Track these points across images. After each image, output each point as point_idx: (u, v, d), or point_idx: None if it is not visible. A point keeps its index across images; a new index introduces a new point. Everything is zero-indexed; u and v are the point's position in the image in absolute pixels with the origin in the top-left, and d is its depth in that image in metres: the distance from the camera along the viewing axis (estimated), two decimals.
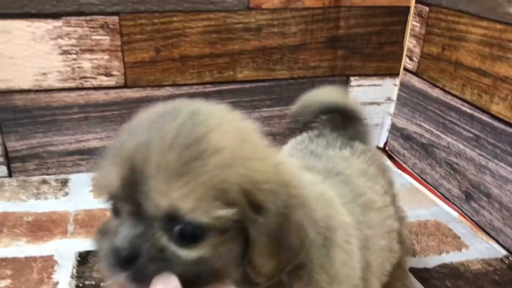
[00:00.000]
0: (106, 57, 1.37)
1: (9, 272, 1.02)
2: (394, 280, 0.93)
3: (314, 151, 0.81)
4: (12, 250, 1.10)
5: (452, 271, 1.09)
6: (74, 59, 1.35)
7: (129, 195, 0.44)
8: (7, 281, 1.00)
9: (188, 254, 0.44)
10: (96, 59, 1.37)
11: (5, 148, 1.40)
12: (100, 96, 1.41)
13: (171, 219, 0.43)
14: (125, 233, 0.44)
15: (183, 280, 0.43)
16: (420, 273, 1.07)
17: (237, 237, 0.46)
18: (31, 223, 1.21)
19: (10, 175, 1.44)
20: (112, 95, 1.41)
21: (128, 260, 0.43)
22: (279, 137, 1.60)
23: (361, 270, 0.64)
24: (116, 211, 0.48)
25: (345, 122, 0.88)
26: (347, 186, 0.71)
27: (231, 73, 1.48)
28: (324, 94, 0.91)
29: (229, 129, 0.48)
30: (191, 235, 0.44)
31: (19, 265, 1.05)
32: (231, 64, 1.47)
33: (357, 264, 0.63)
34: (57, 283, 1.00)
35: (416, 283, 1.04)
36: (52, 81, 1.37)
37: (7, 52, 1.31)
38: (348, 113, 0.88)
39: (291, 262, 0.49)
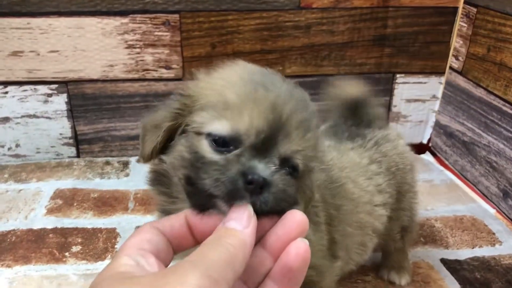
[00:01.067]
0: (166, 51, 1.49)
1: (79, 239, 1.17)
2: (390, 258, 1.07)
3: None
4: (81, 221, 1.25)
5: (482, 264, 1.14)
6: (138, 53, 1.49)
7: (264, 138, 0.51)
8: (78, 247, 1.15)
9: (293, 187, 0.53)
10: (158, 53, 1.49)
11: (75, 132, 1.57)
12: (160, 87, 1.54)
13: (287, 160, 0.53)
14: (261, 165, 0.50)
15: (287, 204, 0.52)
16: (451, 264, 1.13)
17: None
18: (97, 199, 1.35)
19: (78, 155, 1.60)
20: (171, 86, 1.54)
21: (263, 187, 0.48)
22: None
23: (328, 242, 0.75)
24: (223, 145, 0.52)
25: (358, 111, 0.99)
26: (323, 171, 0.80)
27: (280, 68, 1.56)
28: (346, 89, 1.01)
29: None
30: (293, 172, 0.54)
31: (87, 235, 1.20)
32: (280, 59, 1.56)
33: (324, 235, 0.75)
34: None
35: (446, 273, 1.10)
36: (118, 72, 1.51)
37: (80, 46, 1.46)
38: (364, 103, 0.99)
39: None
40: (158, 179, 0.61)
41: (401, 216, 0.98)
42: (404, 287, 1.06)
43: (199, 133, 0.54)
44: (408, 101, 1.70)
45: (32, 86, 1.50)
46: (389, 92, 1.67)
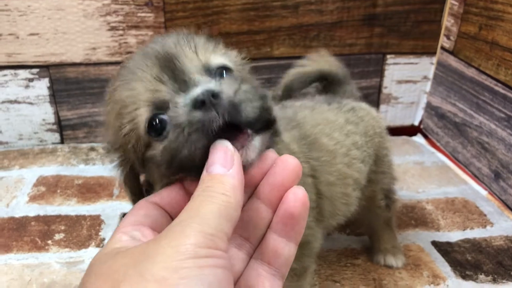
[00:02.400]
0: (150, 33, 1.45)
1: (62, 227, 1.14)
2: (382, 241, 1.05)
3: (286, 105, 0.92)
4: (65, 208, 1.22)
5: (473, 246, 1.12)
6: (121, 35, 1.44)
7: (171, 73, 0.50)
8: (61, 235, 1.12)
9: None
10: (141, 35, 1.45)
11: (58, 117, 1.53)
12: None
13: (210, 70, 0.52)
14: (201, 87, 0.47)
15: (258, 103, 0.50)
16: (442, 246, 1.11)
17: None
18: (81, 186, 1.32)
19: (62, 141, 1.56)
20: None
21: (214, 96, 0.45)
22: None
23: (314, 194, 0.76)
24: (159, 109, 0.50)
25: (334, 86, 1.02)
26: (295, 129, 0.82)
27: (268, 49, 1.53)
28: (313, 63, 1.03)
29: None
30: (226, 72, 0.54)
31: (71, 222, 1.16)
32: (268, 40, 1.52)
33: (311, 188, 0.75)
34: (103, 239, 1.11)
35: (437, 255, 1.08)
36: (101, 55, 1.47)
37: (60, 28, 1.41)
38: (336, 77, 1.02)
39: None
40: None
41: (382, 179, 0.99)
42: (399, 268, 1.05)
43: (145, 145, 0.52)
44: (399, 82, 1.67)
45: (12, 71, 1.45)
46: (380, 73, 1.64)
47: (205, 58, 0.52)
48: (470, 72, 1.42)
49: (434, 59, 1.63)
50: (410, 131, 1.73)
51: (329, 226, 0.88)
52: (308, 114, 0.89)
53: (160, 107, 0.49)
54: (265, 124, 0.49)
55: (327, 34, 1.54)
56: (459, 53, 1.49)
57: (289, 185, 0.45)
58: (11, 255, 1.05)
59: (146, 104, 0.50)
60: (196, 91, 0.46)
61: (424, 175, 1.45)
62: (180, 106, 0.47)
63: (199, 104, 0.45)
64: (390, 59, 1.62)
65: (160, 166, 0.50)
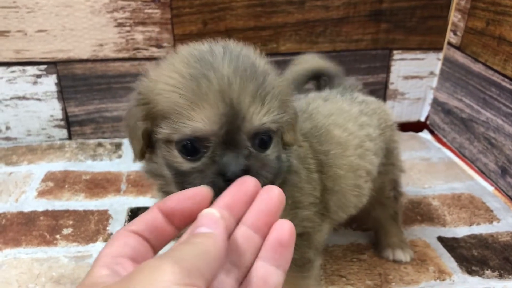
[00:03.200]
0: (157, 29, 1.46)
1: (70, 222, 1.15)
2: (389, 236, 1.06)
3: (299, 96, 0.94)
4: (73, 203, 1.23)
5: (480, 242, 1.12)
6: (128, 31, 1.45)
7: (228, 128, 0.54)
8: (70, 230, 1.13)
9: (268, 154, 0.59)
10: (148, 31, 1.46)
11: (65, 113, 1.54)
12: (151, 66, 1.50)
13: (257, 134, 0.56)
14: (234, 159, 0.54)
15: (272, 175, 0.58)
16: (448, 242, 1.11)
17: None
18: (89, 181, 1.33)
19: (70, 137, 1.58)
20: None
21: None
22: None
23: (319, 191, 0.77)
24: (192, 151, 0.56)
25: (330, 83, 1.03)
26: (307, 121, 0.84)
27: (274, 45, 1.53)
28: (308, 62, 1.04)
29: (255, 54, 0.62)
30: (265, 142, 0.58)
31: (79, 217, 1.18)
32: (274, 36, 1.52)
33: (317, 185, 0.77)
34: (111, 233, 1.12)
35: (443, 251, 1.08)
36: (108, 52, 1.47)
37: (68, 25, 1.42)
38: (329, 74, 1.03)
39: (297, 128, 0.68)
40: (152, 171, 0.65)
41: (391, 170, 1.01)
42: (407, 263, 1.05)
43: (168, 141, 0.58)
44: (406, 78, 1.66)
45: (21, 67, 1.47)
46: (386, 69, 1.64)
47: (259, 121, 0.56)
48: (477, 67, 1.41)
49: (441, 55, 1.62)
50: (416, 127, 1.73)
51: (339, 218, 0.88)
52: (321, 104, 0.89)
53: (203, 140, 0.55)
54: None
55: (333, 30, 1.54)
56: (466, 49, 1.48)
57: (275, 211, 0.47)
58: (20, 249, 1.06)
59: (201, 125, 0.54)
60: (232, 166, 0.53)
61: (430, 170, 1.45)
62: (215, 162, 0.54)
63: (227, 179, 0.52)
64: (396, 54, 1.62)
65: (170, 167, 0.59)
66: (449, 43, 1.57)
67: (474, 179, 1.41)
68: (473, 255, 1.08)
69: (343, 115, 0.88)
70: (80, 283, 0.40)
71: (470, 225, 1.19)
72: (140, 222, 0.45)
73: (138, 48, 1.48)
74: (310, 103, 0.89)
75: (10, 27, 1.40)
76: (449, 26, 1.57)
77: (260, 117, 0.55)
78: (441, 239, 1.12)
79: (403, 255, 1.05)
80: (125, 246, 0.43)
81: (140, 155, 0.64)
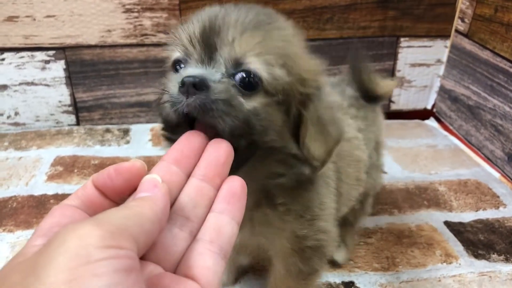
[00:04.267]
0: (165, 15, 1.46)
1: None
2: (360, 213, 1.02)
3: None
4: None
5: (486, 226, 1.13)
6: (136, 17, 1.45)
7: (203, 41, 0.53)
8: None
9: (244, 102, 0.52)
10: (156, 17, 1.46)
11: (74, 99, 1.55)
12: (159, 52, 1.51)
13: (237, 65, 0.52)
14: (198, 69, 0.52)
15: (238, 132, 0.51)
16: (454, 226, 1.12)
17: (281, 107, 0.56)
18: (97, 166, 1.34)
19: (78, 123, 1.59)
20: None
21: (198, 87, 0.49)
22: None
23: (335, 201, 0.75)
24: (182, 61, 0.56)
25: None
26: None
27: None
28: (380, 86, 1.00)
29: (292, 29, 0.61)
30: (249, 83, 0.52)
31: None
32: None
33: (334, 196, 0.74)
34: None
35: (449, 235, 1.09)
36: (116, 38, 1.48)
37: (76, 10, 1.42)
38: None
39: (333, 149, 0.61)
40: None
41: (371, 176, 0.95)
42: (342, 264, 1.00)
43: (170, 67, 0.59)
44: (413, 65, 1.66)
45: (29, 53, 1.47)
46: (393, 57, 1.64)
47: (243, 49, 0.52)
48: (485, 54, 1.41)
49: (448, 42, 1.62)
50: (423, 114, 1.73)
51: (341, 214, 0.85)
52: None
53: (185, 58, 0.56)
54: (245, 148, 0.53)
55: (340, 16, 1.54)
56: (473, 36, 1.48)
57: (223, 161, 0.47)
58: (31, 231, 1.08)
59: (178, 50, 0.56)
60: (189, 72, 0.51)
61: (436, 157, 1.45)
62: (180, 76, 0.51)
63: (180, 84, 0.49)
64: (403, 42, 1.62)
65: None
66: (457, 31, 1.57)
67: (481, 165, 1.41)
68: (479, 239, 1.08)
69: (338, 108, 0.87)
70: (15, 254, 0.38)
71: (477, 210, 1.19)
72: (75, 197, 0.43)
73: (146, 34, 1.48)
74: None
75: (19, 12, 1.41)
76: (457, 13, 1.57)
77: (239, 46, 0.52)
78: (447, 224, 1.13)
79: (340, 256, 1.00)
80: (62, 216, 0.41)
81: None
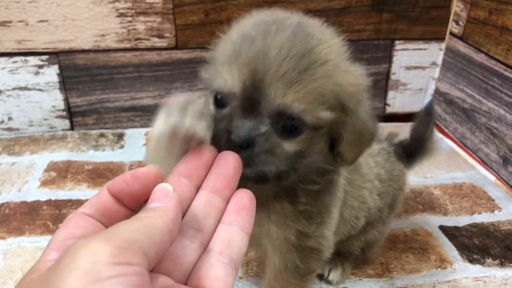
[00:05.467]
0: (159, 19, 1.45)
1: (73, 211, 1.16)
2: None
3: None
4: (76, 193, 1.23)
5: (481, 230, 1.12)
6: (130, 22, 1.45)
7: (247, 95, 0.53)
8: None
9: (287, 147, 0.55)
10: (150, 21, 1.45)
11: (67, 104, 1.54)
12: (153, 56, 1.51)
13: (280, 115, 0.53)
14: (244, 125, 0.52)
15: (283, 173, 0.55)
16: (449, 230, 1.12)
17: (324, 135, 0.58)
18: (91, 171, 1.34)
19: (72, 128, 1.58)
20: (164, 56, 1.51)
21: (243, 147, 0.51)
22: None
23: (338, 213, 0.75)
24: (221, 104, 0.56)
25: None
26: None
27: None
28: None
29: (332, 43, 0.58)
30: (293, 128, 0.54)
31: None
32: None
33: (337, 211, 0.74)
34: None
35: (444, 239, 1.09)
36: (110, 42, 1.47)
37: (69, 15, 1.42)
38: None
39: (365, 150, 0.64)
40: None
41: (370, 231, 0.94)
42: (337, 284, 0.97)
43: (209, 89, 0.58)
44: (408, 68, 1.66)
45: (23, 58, 1.47)
46: (388, 59, 1.64)
47: (280, 101, 0.52)
48: (479, 57, 1.41)
49: (443, 45, 1.62)
50: None
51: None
52: None
53: (229, 97, 0.55)
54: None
55: (335, 20, 1.53)
56: (468, 39, 1.48)
57: (233, 174, 0.48)
58: (24, 238, 1.07)
59: (222, 83, 0.55)
60: (240, 130, 0.52)
61: (432, 160, 1.42)
62: (229, 119, 0.53)
63: (229, 138, 0.52)
64: (398, 45, 1.61)
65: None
66: (451, 33, 1.57)
67: (476, 168, 1.41)
68: (474, 243, 1.08)
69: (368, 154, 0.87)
70: (30, 269, 0.38)
71: (472, 214, 1.19)
72: (90, 205, 0.44)
73: (139, 39, 1.48)
74: None
75: (12, 17, 1.40)
76: (452, 16, 1.57)
77: (283, 98, 0.52)
78: (442, 228, 1.13)
79: (326, 271, 0.96)
80: (76, 227, 0.41)
81: None
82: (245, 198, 0.47)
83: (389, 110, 1.73)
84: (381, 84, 1.68)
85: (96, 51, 1.48)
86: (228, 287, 0.42)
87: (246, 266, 0.99)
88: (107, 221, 0.43)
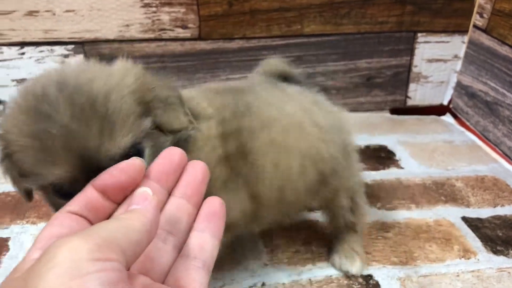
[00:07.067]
0: (183, 10, 1.47)
1: None
2: (341, 242, 0.98)
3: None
4: None
5: (504, 222, 1.13)
6: (154, 12, 1.46)
7: (86, 170, 0.50)
8: None
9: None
10: (174, 12, 1.47)
11: None
12: (176, 47, 1.52)
13: (123, 155, 0.51)
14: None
15: None
16: (472, 222, 1.12)
17: (151, 139, 0.58)
18: None
19: None
20: (187, 46, 1.52)
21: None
22: (343, 91, 1.65)
23: (225, 151, 0.72)
24: (66, 192, 0.51)
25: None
26: (233, 95, 0.78)
27: (299, 27, 1.53)
28: (272, 66, 0.99)
29: (91, 75, 0.55)
30: (137, 154, 0.53)
31: None
32: (298, 18, 1.52)
33: (217, 142, 0.72)
34: None
35: (467, 230, 1.09)
36: (134, 32, 1.49)
37: (95, 5, 1.44)
38: (293, 77, 0.97)
39: (184, 109, 0.64)
40: None
41: (346, 175, 0.90)
42: (356, 275, 0.96)
43: (42, 187, 0.56)
44: (429, 61, 1.66)
45: (49, 47, 1.49)
46: (410, 52, 1.63)
47: (114, 154, 0.51)
48: (504, 50, 1.40)
49: (466, 38, 1.61)
50: (439, 110, 1.73)
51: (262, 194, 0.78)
52: (268, 87, 0.86)
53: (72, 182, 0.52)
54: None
55: (358, 11, 1.54)
56: (492, 31, 1.47)
57: (201, 180, 0.51)
58: None
59: (63, 175, 0.51)
60: None
61: (453, 153, 1.45)
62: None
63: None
64: (421, 37, 1.61)
65: (54, 204, 0.58)
66: (475, 26, 1.56)
67: (498, 162, 1.41)
68: (497, 235, 1.08)
69: (283, 99, 0.83)
70: (14, 268, 0.39)
71: (494, 207, 1.19)
72: (75, 202, 0.45)
73: (163, 29, 1.49)
74: (257, 85, 0.86)
75: (39, 7, 1.42)
76: (476, 9, 1.56)
77: (113, 150, 0.51)
78: (465, 219, 1.13)
79: (349, 266, 0.95)
80: (61, 226, 0.42)
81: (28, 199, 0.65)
82: (215, 205, 0.51)
83: (410, 102, 1.72)
84: (402, 77, 1.67)
85: (120, 41, 1.50)
86: (203, 287, 0.46)
87: (271, 253, 1.01)
88: (93, 216, 0.45)
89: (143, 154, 0.55)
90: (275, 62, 1.00)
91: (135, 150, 0.54)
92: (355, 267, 0.96)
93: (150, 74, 0.65)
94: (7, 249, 1.02)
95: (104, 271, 0.34)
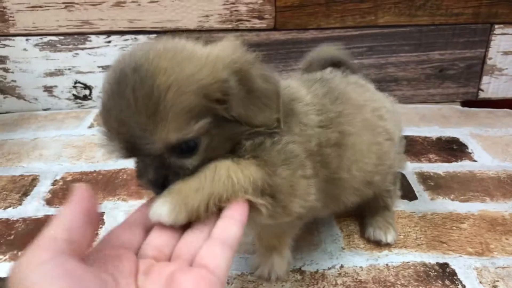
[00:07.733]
0: (260, 1, 1.52)
1: None
2: (374, 215, 1.05)
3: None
4: None
5: None
6: (233, 3, 1.52)
7: (132, 151, 0.58)
8: None
9: (192, 161, 0.59)
10: (252, 3, 1.52)
11: None
12: (252, 37, 1.58)
13: (171, 147, 0.57)
14: (151, 171, 0.59)
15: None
16: None
17: (217, 129, 0.60)
18: None
19: None
20: (262, 36, 1.57)
21: (160, 184, 0.59)
22: (414, 82, 1.66)
23: (318, 142, 0.72)
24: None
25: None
26: (322, 84, 0.82)
27: (373, 17, 1.55)
28: (327, 51, 1.02)
29: (166, 64, 0.56)
30: (189, 148, 0.58)
31: None
32: (373, 9, 1.54)
33: (313, 132, 0.72)
34: None
35: None
36: (213, 23, 1.56)
37: None
38: (346, 64, 0.99)
39: (277, 104, 0.64)
40: None
41: (397, 159, 0.96)
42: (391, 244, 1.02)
43: None
44: (506, 53, 1.63)
45: (133, 36, 1.59)
46: (485, 44, 1.61)
47: (161, 142, 0.56)
48: None
49: None
50: (511, 104, 1.70)
51: (353, 178, 0.81)
52: (339, 75, 0.91)
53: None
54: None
55: (434, 3, 1.53)
56: None
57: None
58: (143, 201, 1.18)
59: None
60: (140, 179, 0.61)
61: None
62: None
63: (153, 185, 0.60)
64: (498, 29, 1.58)
65: None
66: None
67: None
68: None
69: (361, 87, 0.91)
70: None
71: None
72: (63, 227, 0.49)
73: (241, 20, 1.55)
74: (327, 74, 0.91)
75: None
76: None
77: (155, 144, 0.56)
78: None
79: (383, 235, 1.01)
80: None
81: None
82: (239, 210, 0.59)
83: (482, 95, 1.70)
84: (476, 69, 1.66)
85: (200, 31, 1.57)
86: (225, 260, 0.52)
87: (348, 238, 1.05)
88: (74, 243, 0.48)
89: (196, 148, 0.59)
90: (329, 49, 1.05)
91: (186, 145, 0.58)
92: (390, 235, 1.02)
93: (253, 62, 0.66)
94: (103, 223, 1.12)
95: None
